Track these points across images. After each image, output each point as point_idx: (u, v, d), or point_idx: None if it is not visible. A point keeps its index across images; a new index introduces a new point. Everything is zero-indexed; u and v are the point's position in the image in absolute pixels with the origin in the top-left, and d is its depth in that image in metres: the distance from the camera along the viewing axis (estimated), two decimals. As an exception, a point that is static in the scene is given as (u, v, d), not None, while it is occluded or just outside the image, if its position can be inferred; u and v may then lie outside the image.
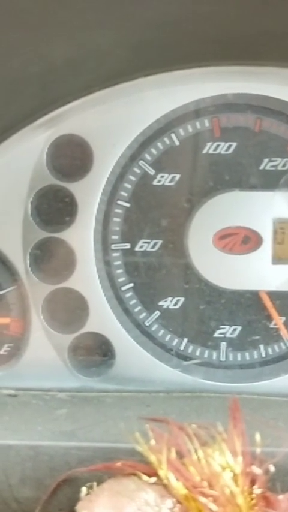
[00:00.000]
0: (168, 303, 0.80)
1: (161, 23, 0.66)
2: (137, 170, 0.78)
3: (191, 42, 0.69)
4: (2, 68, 0.67)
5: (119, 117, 0.75)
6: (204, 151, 0.78)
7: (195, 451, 0.57)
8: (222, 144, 0.78)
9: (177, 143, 0.78)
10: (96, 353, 0.78)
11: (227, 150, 0.78)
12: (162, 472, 0.55)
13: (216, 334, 0.80)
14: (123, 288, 0.79)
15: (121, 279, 0.79)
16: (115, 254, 0.79)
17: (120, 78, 0.72)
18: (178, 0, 0.63)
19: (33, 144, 0.76)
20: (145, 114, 0.76)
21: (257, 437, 0.57)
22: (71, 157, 0.77)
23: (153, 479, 0.57)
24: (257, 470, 0.55)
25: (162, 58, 0.70)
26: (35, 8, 0.62)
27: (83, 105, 0.74)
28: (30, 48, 0.66)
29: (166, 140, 0.78)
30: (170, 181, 0.78)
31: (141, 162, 0.78)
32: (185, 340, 0.80)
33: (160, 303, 0.79)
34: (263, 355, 0.80)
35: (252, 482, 0.55)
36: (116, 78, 0.71)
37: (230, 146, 0.78)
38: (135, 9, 0.64)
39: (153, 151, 0.78)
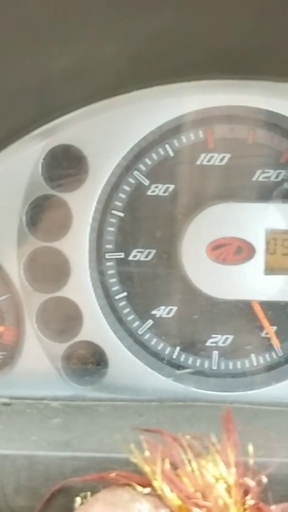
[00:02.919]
0: (161, 312, 0.80)
1: (158, 36, 0.67)
2: (131, 180, 0.79)
3: (187, 55, 0.70)
4: (0, 78, 0.68)
5: (114, 128, 0.76)
6: (198, 162, 0.79)
7: (189, 462, 0.58)
8: (216, 155, 0.79)
9: (171, 154, 0.79)
10: (90, 362, 0.79)
11: (220, 161, 0.79)
12: (156, 483, 0.56)
13: (208, 343, 0.80)
14: (117, 297, 0.80)
15: (115, 288, 0.80)
16: (109, 263, 0.80)
17: (117, 90, 0.72)
18: (176, 13, 0.64)
19: (29, 153, 0.76)
20: (141, 126, 0.76)
21: (250, 448, 0.59)
22: (67, 167, 0.77)
23: (148, 490, 0.57)
24: (249, 482, 0.56)
25: (159, 70, 0.70)
26: (34, 20, 0.62)
27: (79, 116, 0.74)
28: (29, 60, 0.67)
29: (161, 151, 0.79)
30: (164, 192, 0.79)
31: (135, 173, 0.79)
32: (178, 348, 0.80)
33: (153, 312, 0.80)
34: (255, 364, 0.81)
35: (245, 493, 0.56)
36: (113, 90, 0.72)
37: (223, 157, 0.79)
38: (132, 22, 0.64)
39: (148, 161, 0.79)
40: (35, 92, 0.71)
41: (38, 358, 0.77)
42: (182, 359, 0.80)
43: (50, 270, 0.78)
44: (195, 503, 0.54)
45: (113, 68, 0.69)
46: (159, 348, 0.80)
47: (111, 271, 0.80)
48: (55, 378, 0.77)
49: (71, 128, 0.76)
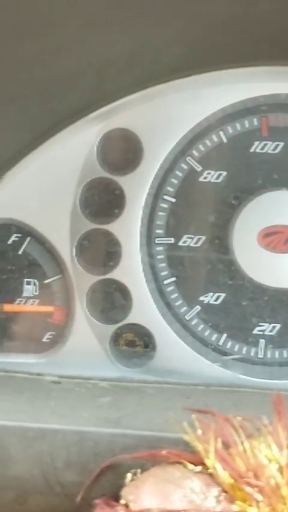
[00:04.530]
0: (209, 298, 0.80)
1: (217, 22, 0.67)
2: (184, 166, 0.79)
3: (246, 41, 0.70)
4: (62, 61, 0.69)
5: (170, 113, 0.76)
6: (252, 150, 0.79)
7: (241, 442, 0.58)
8: (269, 143, 0.78)
9: (225, 141, 0.79)
10: (138, 344, 0.80)
11: (274, 150, 0.79)
12: (209, 461, 0.57)
13: (255, 331, 0.80)
14: (166, 282, 0.80)
15: (164, 273, 0.80)
16: (159, 248, 0.80)
17: (174, 75, 0.73)
18: (236, 0, 0.65)
19: (85, 136, 0.77)
20: (196, 111, 0.77)
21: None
22: (122, 151, 0.78)
23: (198, 468, 0.58)
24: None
25: (217, 56, 0.71)
26: (95, 4, 0.63)
27: (136, 100, 0.75)
28: (89, 43, 0.68)
29: (214, 137, 0.79)
30: (216, 178, 0.79)
31: (188, 158, 0.79)
32: (224, 335, 0.80)
33: (201, 298, 0.80)
34: (302, 353, 0.81)
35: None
36: (171, 74, 0.72)
37: (277, 145, 0.78)
38: (193, 7, 0.65)
39: (201, 148, 0.79)
40: (94, 75, 0.72)
41: (87, 339, 0.78)
42: (228, 346, 0.80)
43: (101, 253, 0.79)
44: (247, 482, 0.55)
45: (171, 52, 0.70)
46: (206, 334, 0.80)
47: (160, 256, 0.80)
48: (103, 359, 0.78)
49: (127, 112, 0.77)
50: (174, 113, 0.77)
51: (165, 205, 0.80)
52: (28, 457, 0.63)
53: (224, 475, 0.56)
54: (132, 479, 0.60)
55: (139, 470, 0.60)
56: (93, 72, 0.72)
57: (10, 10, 0.60)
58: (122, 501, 0.58)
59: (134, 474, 0.60)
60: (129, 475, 0.59)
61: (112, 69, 0.71)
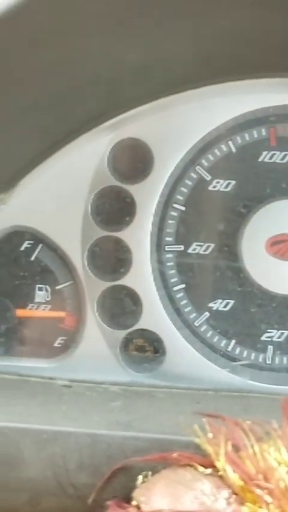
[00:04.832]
0: (218, 305, 0.82)
1: (228, 33, 0.69)
2: (193, 175, 0.81)
3: (257, 53, 0.72)
4: (75, 71, 0.70)
5: (180, 124, 0.78)
6: (260, 160, 0.80)
7: (251, 445, 0.59)
8: (277, 153, 0.80)
9: (233, 150, 0.81)
10: (147, 350, 0.81)
11: (282, 159, 0.80)
12: (219, 464, 0.58)
13: (263, 338, 0.82)
14: (175, 289, 0.82)
15: (173, 280, 0.82)
16: (168, 255, 0.82)
17: (185, 86, 0.74)
18: (248, 12, 0.66)
19: (96, 146, 0.79)
20: (206, 122, 0.78)
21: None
22: (132, 160, 0.79)
23: (209, 471, 0.59)
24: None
25: (228, 67, 0.72)
26: (110, 14, 0.65)
27: (147, 110, 0.77)
28: (103, 53, 0.70)
29: (223, 147, 0.80)
30: (225, 187, 0.81)
31: (198, 168, 0.81)
32: (233, 342, 0.82)
33: (210, 305, 0.82)
34: (309, 360, 0.82)
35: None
36: (182, 85, 0.74)
37: (285, 155, 0.80)
38: (204, 18, 0.67)
39: (210, 157, 0.81)
40: (107, 85, 0.74)
41: (98, 344, 0.80)
42: (237, 352, 0.81)
43: (112, 259, 0.80)
44: (257, 484, 0.56)
45: (183, 62, 0.72)
46: (215, 340, 0.82)
47: (170, 263, 0.82)
48: (113, 364, 0.79)
49: (139, 122, 0.78)
50: (184, 123, 0.78)
51: (175, 214, 0.82)
52: (41, 459, 0.64)
53: (234, 477, 0.57)
54: (143, 481, 0.61)
55: (150, 473, 0.62)
56: (106, 83, 0.73)
57: (24, 21, 0.62)
58: (134, 502, 0.59)
59: (145, 476, 0.61)
60: (140, 477, 0.61)
61: (125, 79, 0.73)
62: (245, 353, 0.82)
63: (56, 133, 0.78)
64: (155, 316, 0.80)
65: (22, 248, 0.81)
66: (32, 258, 0.82)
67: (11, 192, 0.78)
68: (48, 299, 0.82)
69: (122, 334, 0.80)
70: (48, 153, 0.78)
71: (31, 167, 0.78)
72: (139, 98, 0.76)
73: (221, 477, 0.58)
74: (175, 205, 0.82)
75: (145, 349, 0.81)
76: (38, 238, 0.81)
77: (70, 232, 0.80)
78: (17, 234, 0.81)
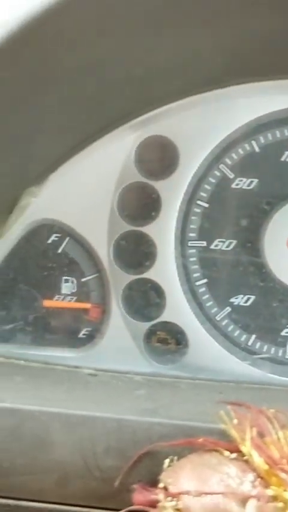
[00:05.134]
0: (239, 300, 0.84)
1: (258, 34, 0.71)
2: (217, 173, 0.83)
3: (282, 54, 0.74)
4: (107, 70, 0.73)
5: (206, 122, 0.80)
6: (282, 159, 0.82)
7: (276, 432, 0.61)
8: (300, 153, 0.83)
9: (257, 150, 0.83)
10: (170, 342, 0.83)
11: (304, 159, 0.83)
12: (245, 448, 0.60)
13: (283, 333, 0.84)
14: (198, 283, 0.84)
15: (196, 274, 0.84)
16: (191, 250, 0.84)
17: (213, 85, 0.77)
18: (275, 13, 0.69)
19: (124, 142, 0.81)
20: (230, 121, 0.80)
21: None
22: (159, 157, 0.82)
23: (234, 455, 0.61)
24: None
25: (257, 67, 0.75)
26: (141, 14, 0.67)
27: (174, 108, 0.79)
28: (135, 53, 0.72)
29: (247, 146, 0.82)
30: (248, 185, 0.83)
31: (221, 166, 0.83)
32: (253, 336, 0.83)
33: (231, 300, 0.84)
34: None
35: None
36: (210, 84, 0.76)
37: (308, 155, 0.83)
38: (235, 20, 0.69)
39: (234, 156, 0.82)
40: (137, 83, 0.76)
41: (122, 335, 0.82)
42: (257, 346, 0.83)
43: (137, 253, 0.83)
44: (281, 468, 0.58)
45: (212, 62, 0.74)
46: (236, 334, 0.83)
47: (193, 258, 0.84)
48: (137, 355, 0.81)
49: (166, 120, 0.80)
50: (209, 122, 0.80)
51: (198, 210, 0.84)
52: (70, 442, 0.66)
53: (259, 461, 0.59)
54: (169, 465, 0.63)
55: (176, 458, 0.64)
56: (136, 82, 0.75)
57: (63, 21, 0.65)
58: (160, 485, 0.61)
59: (171, 461, 0.63)
60: (167, 461, 0.63)
61: (154, 78, 0.75)
62: (265, 347, 0.84)
63: (86, 131, 0.80)
64: (178, 309, 0.82)
65: (50, 241, 0.83)
66: (59, 251, 0.84)
67: (41, 186, 0.80)
68: (74, 291, 0.84)
69: (145, 326, 0.83)
70: (78, 149, 0.80)
71: (61, 162, 0.80)
72: (167, 96, 0.78)
73: (246, 461, 0.60)
74: (199, 202, 0.84)
75: (168, 341, 0.83)
76: (65, 232, 0.83)
77: (97, 226, 0.82)
78: (46, 227, 0.83)
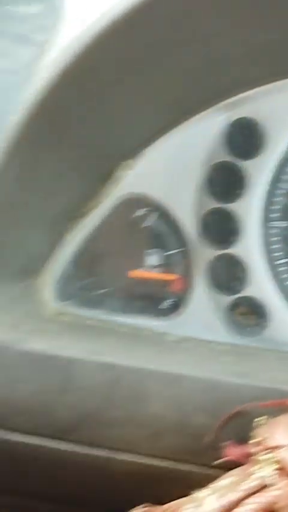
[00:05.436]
0: None
1: None
2: (303, 155, 0.86)
3: None
4: (204, 50, 0.76)
5: (295, 105, 0.83)
6: None
7: None
8: None
9: None
10: (252, 316, 0.85)
11: None
12: None
13: None
14: (278, 262, 0.86)
15: (277, 254, 0.86)
16: (274, 230, 0.86)
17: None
18: None
19: (213, 122, 0.84)
20: None
21: None
22: (246, 138, 0.84)
23: None
24: None
25: None
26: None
27: (265, 91, 0.82)
28: (233, 34, 0.75)
29: None
30: None
31: (307, 148, 0.86)
32: None
33: (311, 280, 0.86)
34: None
35: None
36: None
37: None
38: None
39: None
40: (232, 65, 0.79)
41: (204, 307, 0.84)
42: None
43: (222, 229, 0.85)
44: None
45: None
46: (315, 312, 0.86)
47: (275, 238, 0.86)
48: (219, 327, 0.84)
49: (256, 102, 0.83)
50: (298, 105, 0.83)
51: (282, 191, 0.86)
52: (164, 398, 0.69)
53: None
54: (263, 423, 0.65)
55: (267, 417, 0.66)
56: (231, 63, 0.79)
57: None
58: (254, 441, 0.64)
59: (265, 420, 0.66)
60: (261, 419, 0.65)
61: (249, 60, 0.79)
62: None
63: (179, 109, 0.83)
64: (260, 285, 0.84)
65: (138, 214, 0.87)
66: (146, 224, 0.88)
67: (136, 160, 0.84)
68: (159, 263, 0.87)
69: (228, 299, 0.85)
70: (170, 127, 0.84)
71: (155, 138, 0.83)
72: (259, 78, 0.81)
73: None
74: (283, 183, 0.87)
75: (249, 314, 0.86)
76: (153, 206, 0.86)
77: (184, 202, 0.85)
78: (135, 201, 0.86)
